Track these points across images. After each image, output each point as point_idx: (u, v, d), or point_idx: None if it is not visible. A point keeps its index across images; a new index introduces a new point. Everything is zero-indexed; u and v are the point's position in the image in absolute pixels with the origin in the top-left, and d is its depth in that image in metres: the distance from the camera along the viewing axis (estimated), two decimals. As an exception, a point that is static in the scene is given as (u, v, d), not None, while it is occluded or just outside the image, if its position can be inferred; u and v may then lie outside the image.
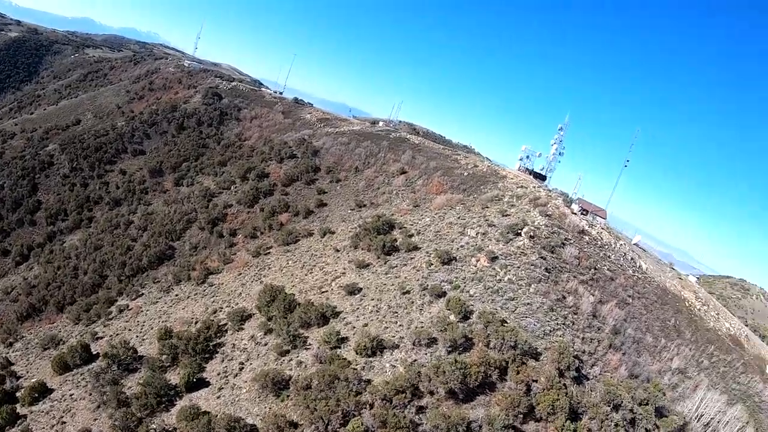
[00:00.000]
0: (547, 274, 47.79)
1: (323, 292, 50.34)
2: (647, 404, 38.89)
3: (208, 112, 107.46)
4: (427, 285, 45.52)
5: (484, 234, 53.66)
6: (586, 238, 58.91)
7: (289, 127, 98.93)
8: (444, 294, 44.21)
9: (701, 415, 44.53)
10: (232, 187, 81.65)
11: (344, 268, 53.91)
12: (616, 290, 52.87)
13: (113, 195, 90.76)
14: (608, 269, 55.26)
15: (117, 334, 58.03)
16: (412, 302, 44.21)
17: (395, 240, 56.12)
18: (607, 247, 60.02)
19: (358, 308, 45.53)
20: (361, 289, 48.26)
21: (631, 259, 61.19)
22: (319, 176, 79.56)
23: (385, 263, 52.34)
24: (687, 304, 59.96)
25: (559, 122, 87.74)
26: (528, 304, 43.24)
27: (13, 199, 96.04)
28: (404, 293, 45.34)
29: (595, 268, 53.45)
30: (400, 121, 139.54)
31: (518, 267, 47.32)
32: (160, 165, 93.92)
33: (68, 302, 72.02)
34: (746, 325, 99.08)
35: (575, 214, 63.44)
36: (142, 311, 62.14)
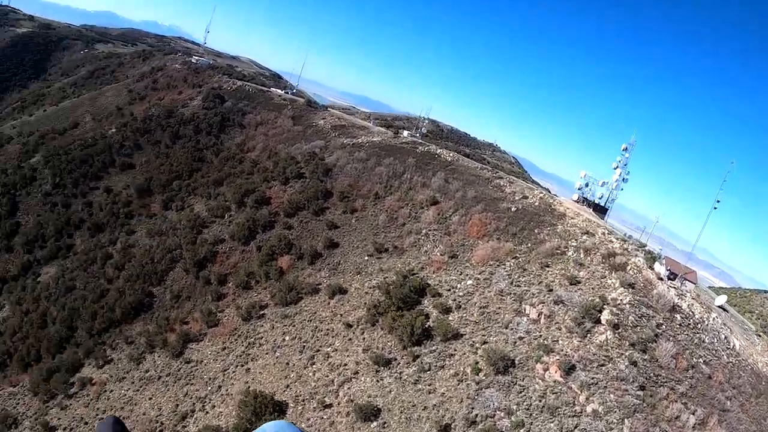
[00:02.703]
0: (641, 394, 33.09)
1: (326, 406, 36.42)
2: None
3: (207, 118, 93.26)
4: (476, 417, 31.28)
5: (549, 317, 39.06)
6: (678, 317, 43.72)
7: (299, 136, 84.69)
8: (503, 438, 30.10)
9: None
10: (226, 215, 67.85)
11: (357, 363, 39.84)
12: (715, 395, 38.25)
13: (95, 218, 77.67)
14: (704, 361, 40.37)
15: (71, 430, 46.63)
16: (457, 451, 30.33)
17: (427, 317, 42.03)
18: (700, 326, 44.97)
19: (376, 454, 31.82)
20: (380, 410, 34.12)
21: (725, 338, 46.16)
22: (331, 204, 65.24)
23: (413, 360, 38.13)
24: (779, 388, 45.31)
25: (621, 140, 70.62)
26: (628, 461, 29.10)
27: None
28: (443, 430, 31.34)
29: (693, 366, 38.86)
30: (425, 118, 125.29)
31: (604, 386, 32.68)
32: (148, 183, 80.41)
33: (33, 359, 60.13)
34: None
35: (662, 279, 48.25)
36: (105, 391, 49.60)
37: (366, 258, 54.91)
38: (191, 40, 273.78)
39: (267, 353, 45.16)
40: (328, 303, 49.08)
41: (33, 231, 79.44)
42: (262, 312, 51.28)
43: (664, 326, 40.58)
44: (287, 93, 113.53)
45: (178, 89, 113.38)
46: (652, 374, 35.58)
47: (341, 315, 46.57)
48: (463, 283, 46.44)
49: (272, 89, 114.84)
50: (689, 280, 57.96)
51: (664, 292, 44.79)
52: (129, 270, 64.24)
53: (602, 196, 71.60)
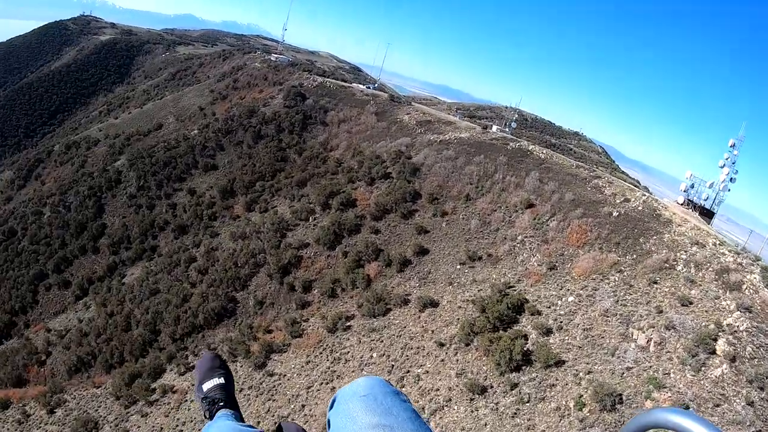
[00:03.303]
0: (757, 445, 28.40)
1: (417, 438, 33.24)
2: None
3: (289, 117, 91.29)
4: (586, 464, 27.40)
5: (660, 345, 34.34)
6: (794, 346, 37.90)
7: (384, 133, 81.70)
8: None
9: None
10: (310, 218, 65.45)
11: (450, 389, 36.36)
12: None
13: (179, 220, 77.37)
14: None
15: (149, 441, 45.28)
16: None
17: (526, 339, 38.08)
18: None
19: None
20: (476, 448, 30.74)
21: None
22: (419, 206, 61.79)
23: (511, 389, 34.32)
24: None
25: (726, 132, 63.34)
26: None
27: (77, 222, 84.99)
28: (549, 477, 27.47)
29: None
30: (513, 109, 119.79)
31: (719, 432, 28.28)
32: (231, 184, 79.34)
33: (116, 361, 59.98)
34: None
35: (779, 300, 42.27)
36: (185, 400, 48.03)
37: (458, 267, 51.26)
38: (270, 37, 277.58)
39: (353, 371, 42.26)
40: (419, 317, 45.78)
41: (118, 232, 79.96)
42: (348, 324, 48.51)
43: (782, 358, 35.17)
44: (369, 88, 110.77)
45: (259, 88, 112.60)
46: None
47: (432, 331, 43.17)
48: (564, 299, 42.24)
49: (354, 84, 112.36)
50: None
51: (783, 317, 39.21)
52: (212, 274, 62.99)
53: (707, 198, 64.77)
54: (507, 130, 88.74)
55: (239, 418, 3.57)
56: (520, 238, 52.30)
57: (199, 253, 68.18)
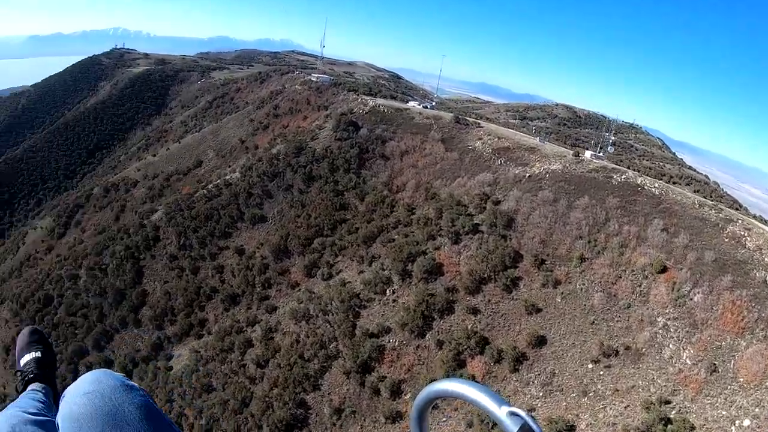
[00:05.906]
0: None
1: None
2: None
3: (342, 152, 79.66)
4: None
5: None
6: None
7: (456, 166, 69.87)
8: None
9: None
10: (387, 291, 54.07)
11: None
12: None
13: (228, 288, 66.93)
14: None
15: None
16: None
17: None
18: None
19: None
20: None
21: None
22: (523, 272, 49.87)
23: None
24: None
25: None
26: None
27: (115, 288, 75.13)
28: None
29: None
30: (557, 104, 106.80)
31: None
32: (285, 240, 68.22)
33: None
34: None
35: None
36: None
37: (590, 367, 39.53)
38: (304, 51, 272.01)
39: None
40: (562, 450, 34.40)
41: (161, 303, 69.48)
42: (461, 455, 37.37)
43: None
44: (427, 107, 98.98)
45: (302, 113, 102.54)
46: None
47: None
48: (738, 423, 30.80)
49: (410, 105, 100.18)
50: None
51: None
52: (274, 369, 52.14)
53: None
54: (602, 155, 75.63)
55: (50, 394, 3.29)
56: (661, 321, 40.24)
57: (255, 335, 57.43)
